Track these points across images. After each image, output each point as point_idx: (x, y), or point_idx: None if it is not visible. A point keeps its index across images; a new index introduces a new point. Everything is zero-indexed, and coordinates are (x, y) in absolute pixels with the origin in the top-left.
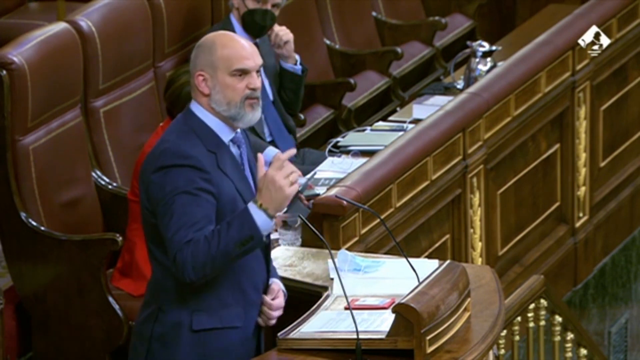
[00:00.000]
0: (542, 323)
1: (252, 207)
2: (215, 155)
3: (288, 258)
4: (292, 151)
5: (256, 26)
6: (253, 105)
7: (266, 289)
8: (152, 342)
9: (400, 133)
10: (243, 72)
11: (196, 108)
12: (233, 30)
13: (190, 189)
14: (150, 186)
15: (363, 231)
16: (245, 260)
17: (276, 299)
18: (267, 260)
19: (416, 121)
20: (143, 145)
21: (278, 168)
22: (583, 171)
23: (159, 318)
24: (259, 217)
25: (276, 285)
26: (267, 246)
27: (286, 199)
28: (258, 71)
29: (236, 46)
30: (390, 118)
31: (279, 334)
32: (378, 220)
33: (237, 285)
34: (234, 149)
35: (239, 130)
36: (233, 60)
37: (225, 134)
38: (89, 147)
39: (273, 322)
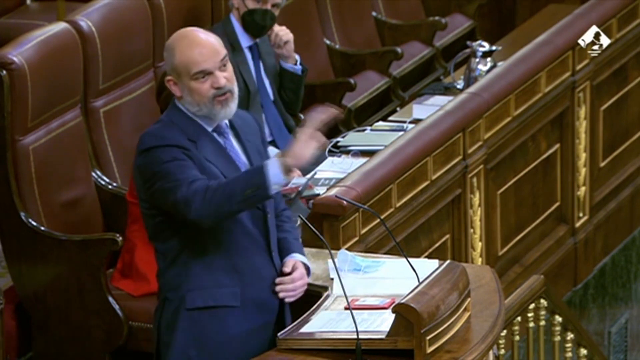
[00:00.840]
0: (542, 323)
1: (272, 159)
2: (196, 144)
3: None
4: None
5: (256, 26)
6: (223, 102)
7: (271, 268)
8: (160, 330)
9: (400, 133)
10: (204, 74)
11: (179, 103)
12: (233, 30)
13: (175, 159)
14: (138, 171)
15: (363, 231)
16: (238, 240)
17: (294, 272)
18: (267, 239)
19: (416, 121)
20: None
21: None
22: (583, 171)
23: (164, 307)
24: (273, 168)
25: (291, 259)
26: (265, 225)
27: (306, 148)
28: (225, 65)
29: (192, 51)
30: (390, 118)
31: (279, 334)
32: (378, 220)
33: (231, 265)
34: (219, 139)
35: (224, 121)
36: (190, 65)
37: (207, 125)
38: (89, 147)
39: (293, 294)
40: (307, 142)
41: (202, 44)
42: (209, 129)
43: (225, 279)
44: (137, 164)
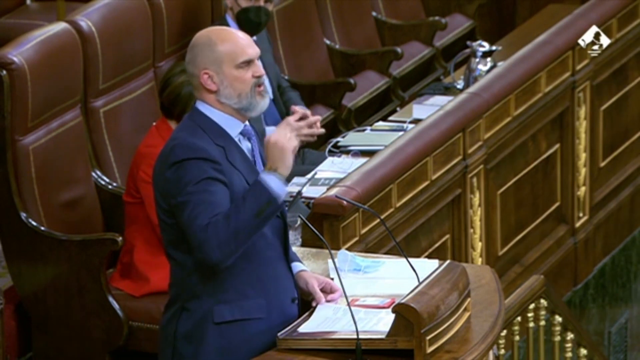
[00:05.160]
0: (542, 323)
1: (263, 174)
2: (224, 149)
3: None
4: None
5: (251, 23)
6: (262, 92)
7: (289, 277)
8: (177, 341)
9: (400, 133)
10: (248, 63)
11: (202, 106)
12: None
13: (204, 178)
14: (165, 184)
15: (363, 231)
16: (261, 251)
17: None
18: (286, 248)
19: (416, 121)
20: None
21: (279, 129)
22: (583, 171)
23: (183, 316)
24: (272, 181)
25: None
26: (285, 234)
27: (287, 152)
28: (258, 59)
29: (236, 39)
30: (390, 118)
31: (279, 334)
32: (378, 220)
33: (256, 277)
34: (244, 143)
35: (247, 122)
36: (237, 53)
37: (233, 128)
38: (89, 147)
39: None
40: (279, 141)
41: (241, 36)
42: (234, 134)
43: (250, 290)
44: (166, 176)
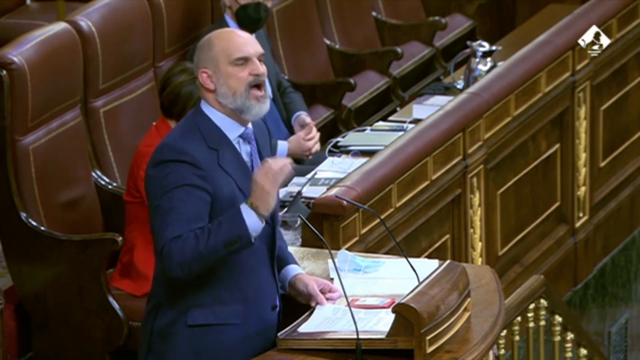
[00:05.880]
0: (542, 323)
1: (244, 207)
2: (217, 152)
3: None
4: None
5: (251, 20)
6: (259, 97)
7: (273, 283)
8: (152, 337)
9: (400, 133)
10: (244, 60)
11: (204, 106)
12: None
13: (183, 184)
14: (147, 180)
15: (363, 231)
16: (244, 259)
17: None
18: (272, 255)
19: (416, 121)
20: None
21: (262, 168)
22: (583, 171)
23: (159, 313)
24: (249, 218)
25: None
26: (272, 239)
27: (268, 195)
28: (260, 60)
29: (233, 37)
30: (390, 118)
31: (279, 334)
32: (378, 220)
33: (235, 283)
34: (243, 147)
35: (249, 125)
36: (232, 50)
37: (233, 131)
38: (89, 147)
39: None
40: (260, 182)
41: (242, 35)
42: (233, 136)
43: (227, 296)
44: (149, 173)
